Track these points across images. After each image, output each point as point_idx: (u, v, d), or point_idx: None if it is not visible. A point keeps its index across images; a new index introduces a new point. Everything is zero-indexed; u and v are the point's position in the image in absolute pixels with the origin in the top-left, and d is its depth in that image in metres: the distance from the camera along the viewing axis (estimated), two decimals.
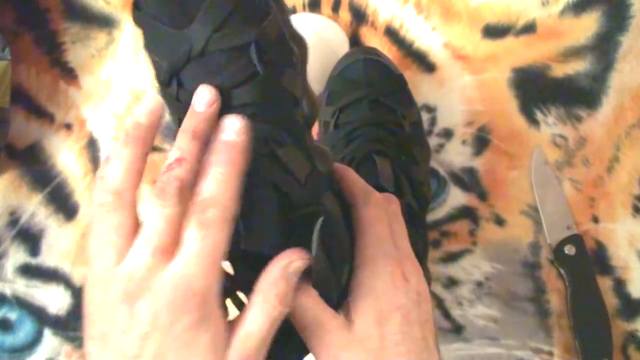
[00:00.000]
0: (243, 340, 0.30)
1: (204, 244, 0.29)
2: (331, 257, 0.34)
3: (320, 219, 0.32)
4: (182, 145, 0.31)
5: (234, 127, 0.31)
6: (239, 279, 0.34)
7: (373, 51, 0.54)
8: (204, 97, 0.31)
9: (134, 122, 0.32)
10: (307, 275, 0.33)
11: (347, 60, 0.53)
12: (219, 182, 0.30)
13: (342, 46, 0.57)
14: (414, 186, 0.48)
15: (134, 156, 0.31)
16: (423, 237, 0.48)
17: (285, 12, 0.34)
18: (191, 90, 0.31)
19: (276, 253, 0.31)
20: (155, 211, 0.29)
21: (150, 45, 0.32)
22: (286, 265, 0.31)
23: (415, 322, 0.35)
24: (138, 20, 0.32)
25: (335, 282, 0.34)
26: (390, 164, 0.47)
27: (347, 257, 0.35)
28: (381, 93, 0.51)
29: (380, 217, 0.36)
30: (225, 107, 0.31)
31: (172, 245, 0.29)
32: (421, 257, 0.45)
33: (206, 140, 0.31)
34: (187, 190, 0.30)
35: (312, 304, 0.33)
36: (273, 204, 0.32)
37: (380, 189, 0.39)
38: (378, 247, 0.35)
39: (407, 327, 0.34)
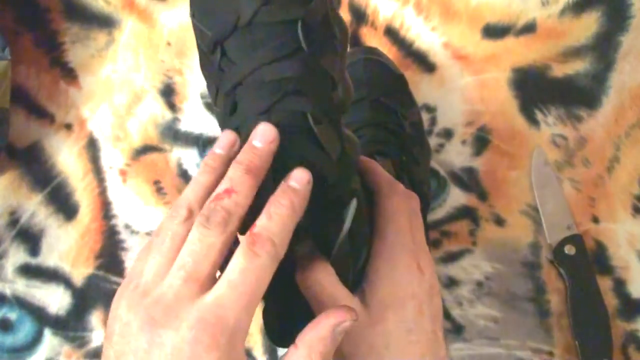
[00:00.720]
0: None
1: (246, 277, 0.28)
2: (353, 240, 0.34)
3: (354, 200, 0.33)
4: (235, 177, 0.30)
5: (301, 178, 0.31)
6: None
7: (374, 51, 0.54)
8: (264, 134, 0.31)
9: (212, 154, 0.32)
10: (326, 253, 0.34)
11: (347, 60, 0.53)
12: (277, 222, 0.29)
13: None
14: (415, 186, 0.48)
15: (209, 183, 0.31)
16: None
17: None
18: (234, 60, 0.31)
19: (310, 229, 0.32)
20: (197, 238, 0.28)
21: (198, 13, 0.33)
22: (336, 324, 0.30)
23: (426, 314, 0.35)
24: None
25: (353, 264, 0.35)
26: (392, 165, 0.47)
27: (366, 241, 0.36)
28: (382, 93, 0.51)
29: (403, 209, 0.37)
30: (265, 78, 0.31)
31: (209, 276, 0.28)
32: None
33: (259, 177, 0.30)
34: (233, 223, 0.29)
35: (330, 282, 0.33)
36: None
37: None
38: (398, 237, 0.36)
39: (419, 318, 0.35)
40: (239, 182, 0.30)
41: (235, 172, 0.30)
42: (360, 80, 0.51)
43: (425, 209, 0.50)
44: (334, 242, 0.33)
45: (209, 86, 0.34)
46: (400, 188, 0.37)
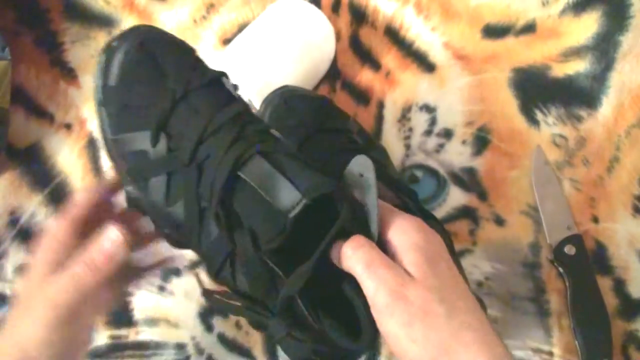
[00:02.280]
0: None
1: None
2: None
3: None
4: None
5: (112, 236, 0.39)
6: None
7: (286, 88, 0.53)
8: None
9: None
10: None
11: (269, 109, 0.52)
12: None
13: (327, 40, 0.57)
14: (400, 186, 0.48)
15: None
16: (438, 224, 0.48)
17: None
18: (182, 132, 0.38)
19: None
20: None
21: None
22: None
23: (456, 272, 0.35)
24: None
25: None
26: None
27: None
28: (320, 122, 0.51)
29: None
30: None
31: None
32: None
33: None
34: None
35: (371, 249, 0.35)
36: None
37: None
38: (391, 219, 0.36)
39: (454, 272, 0.35)
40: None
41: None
42: (293, 120, 0.51)
43: (417, 199, 0.49)
44: None
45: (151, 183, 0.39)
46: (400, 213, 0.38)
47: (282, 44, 0.55)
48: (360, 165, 0.37)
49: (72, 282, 0.38)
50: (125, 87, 0.38)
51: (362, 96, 0.58)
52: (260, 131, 0.38)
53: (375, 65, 0.58)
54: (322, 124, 0.51)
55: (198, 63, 0.40)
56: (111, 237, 0.39)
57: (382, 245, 0.36)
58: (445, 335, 0.33)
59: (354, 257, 0.34)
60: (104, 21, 0.60)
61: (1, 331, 0.38)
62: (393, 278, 0.33)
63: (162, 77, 0.38)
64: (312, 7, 0.57)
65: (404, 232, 0.36)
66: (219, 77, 0.39)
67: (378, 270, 0.34)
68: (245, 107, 0.39)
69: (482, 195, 0.56)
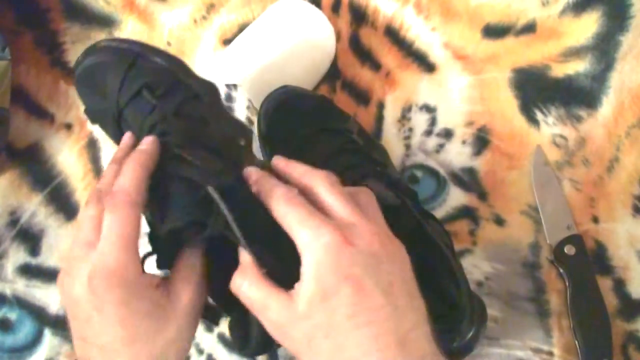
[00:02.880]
0: None
1: (113, 226, 0.35)
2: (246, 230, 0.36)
3: (210, 188, 0.36)
4: (106, 171, 0.41)
5: (146, 140, 0.40)
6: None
7: (286, 88, 0.53)
8: (145, 140, 0.40)
9: (115, 154, 0.43)
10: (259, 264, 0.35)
11: (269, 109, 0.52)
12: (125, 176, 0.37)
13: (328, 40, 0.57)
14: (400, 187, 0.47)
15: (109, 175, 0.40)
16: (438, 224, 0.48)
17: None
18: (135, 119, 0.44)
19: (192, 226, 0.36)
20: (81, 214, 0.38)
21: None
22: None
23: (373, 289, 0.32)
24: None
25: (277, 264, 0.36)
26: (379, 180, 0.46)
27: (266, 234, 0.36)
28: (321, 122, 0.51)
29: (283, 201, 0.35)
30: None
31: (95, 238, 0.35)
32: (446, 244, 0.45)
33: (141, 168, 0.38)
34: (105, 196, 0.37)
35: (256, 284, 0.35)
36: (181, 188, 0.38)
37: (387, 208, 0.39)
38: (301, 226, 0.34)
39: (362, 297, 0.32)
40: (106, 171, 0.40)
41: (107, 168, 0.41)
42: (293, 120, 0.51)
43: (417, 198, 0.49)
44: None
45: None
46: (268, 186, 0.37)
47: (283, 44, 0.55)
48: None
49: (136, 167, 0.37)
50: (84, 99, 0.48)
51: (362, 96, 0.58)
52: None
53: (375, 65, 0.58)
54: (322, 124, 0.51)
55: (125, 79, 0.43)
56: (146, 140, 0.40)
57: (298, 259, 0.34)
58: None
59: (240, 290, 0.35)
60: (104, 21, 0.60)
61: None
62: (277, 313, 0.34)
63: (103, 98, 0.45)
64: (313, 7, 0.57)
65: (307, 251, 0.33)
66: (139, 90, 0.43)
67: (260, 311, 0.35)
68: (164, 116, 0.42)
69: (482, 195, 0.56)
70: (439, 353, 0.34)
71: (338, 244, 0.33)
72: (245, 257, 0.36)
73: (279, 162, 0.40)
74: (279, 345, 0.36)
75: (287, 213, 0.35)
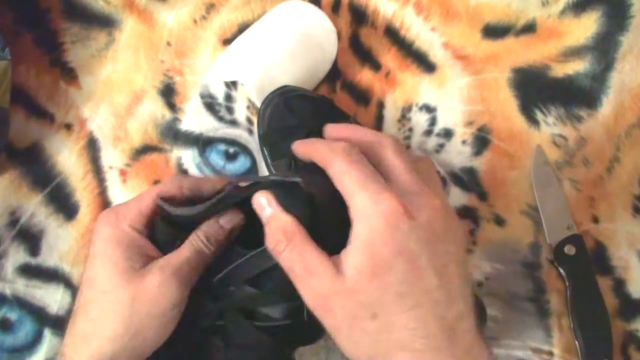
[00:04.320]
0: None
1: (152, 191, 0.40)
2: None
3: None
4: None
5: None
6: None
7: (286, 88, 0.53)
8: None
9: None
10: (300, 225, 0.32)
11: (269, 109, 0.52)
12: None
13: (329, 40, 0.57)
14: None
15: None
16: None
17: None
18: None
19: None
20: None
21: None
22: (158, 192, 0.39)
23: (427, 268, 0.30)
24: None
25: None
26: None
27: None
28: (320, 122, 0.51)
29: (342, 157, 0.32)
30: None
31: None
32: None
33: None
34: None
35: (300, 245, 0.32)
36: None
37: None
38: (360, 188, 0.31)
39: (415, 276, 0.30)
40: None
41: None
42: (293, 121, 0.51)
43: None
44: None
45: None
46: (334, 147, 0.34)
47: (284, 44, 0.55)
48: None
49: (198, 256, 0.36)
50: None
51: (362, 96, 0.58)
52: None
53: (375, 65, 0.58)
54: (322, 124, 0.51)
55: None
56: (232, 212, 0.37)
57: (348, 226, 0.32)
58: (365, 351, 0.30)
59: (284, 261, 0.32)
60: (104, 21, 0.59)
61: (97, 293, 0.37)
62: (321, 281, 0.30)
63: None
64: (315, 8, 0.57)
65: (362, 218, 0.30)
66: None
67: (302, 277, 0.31)
68: None
69: (482, 196, 0.56)
70: (485, 347, 0.31)
71: (398, 214, 0.30)
72: (282, 218, 0.33)
73: (333, 127, 0.38)
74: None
75: (346, 172, 0.31)
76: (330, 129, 0.38)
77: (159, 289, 0.35)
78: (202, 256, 0.37)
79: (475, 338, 0.31)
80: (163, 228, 0.39)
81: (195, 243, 0.37)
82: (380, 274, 0.29)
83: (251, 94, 0.55)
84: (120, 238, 0.37)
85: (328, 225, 0.33)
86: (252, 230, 0.37)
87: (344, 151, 0.32)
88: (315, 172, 0.35)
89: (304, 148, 0.37)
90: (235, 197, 0.37)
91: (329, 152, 0.33)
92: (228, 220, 0.37)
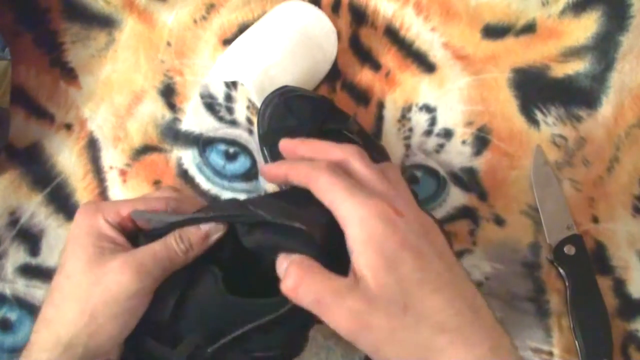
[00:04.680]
0: None
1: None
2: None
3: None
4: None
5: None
6: None
7: (286, 88, 0.53)
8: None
9: None
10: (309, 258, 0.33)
11: (269, 109, 0.52)
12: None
13: (329, 39, 0.57)
14: None
15: None
16: (438, 224, 0.48)
17: None
18: None
19: None
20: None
21: None
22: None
23: (431, 254, 0.31)
24: None
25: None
26: None
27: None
28: (319, 122, 0.51)
29: (325, 174, 0.33)
30: None
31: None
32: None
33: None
34: None
35: (316, 277, 0.32)
36: None
37: None
38: (347, 196, 0.32)
39: (425, 262, 0.31)
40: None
41: None
42: (292, 121, 0.51)
43: (416, 199, 0.49)
44: None
45: None
46: (310, 166, 0.35)
47: (283, 44, 0.55)
48: None
49: (166, 253, 0.37)
50: None
51: (362, 96, 0.58)
52: None
53: (375, 65, 0.59)
54: (322, 124, 0.51)
55: None
56: (216, 222, 0.38)
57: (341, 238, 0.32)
58: (412, 347, 0.30)
59: (297, 294, 0.32)
60: (104, 21, 0.60)
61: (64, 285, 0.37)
62: (353, 299, 0.31)
63: None
64: (314, 8, 0.57)
65: (358, 223, 0.31)
66: None
67: (333, 302, 0.31)
68: None
69: (482, 196, 0.56)
70: (501, 325, 0.33)
71: (390, 213, 0.31)
72: (291, 258, 0.33)
73: (287, 143, 0.38)
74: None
75: (331, 186, 0.33)
76: (291, 146, 0.38)
77: (114, 275, 0.36)
78: (171, 253, 0.37)
79: (494, 316, 0.33)
80: (145, 243, 0.39)
81: (168, 239, 0.38)
82: (394, 267, 0.31)
83: (251, 94, 0.55)
84: (94, 228, 0.39)
85: (327, 261, 0.34)
86: (235, 262, 0.38)
87: (328, 168, 0.34)
88: (302, 195, 0.35)
89: (281, 172, 0.36)
90: (216, 213, 0.37)
91: (312, 171, 0.34)
92: (209, 226, 0.37)
